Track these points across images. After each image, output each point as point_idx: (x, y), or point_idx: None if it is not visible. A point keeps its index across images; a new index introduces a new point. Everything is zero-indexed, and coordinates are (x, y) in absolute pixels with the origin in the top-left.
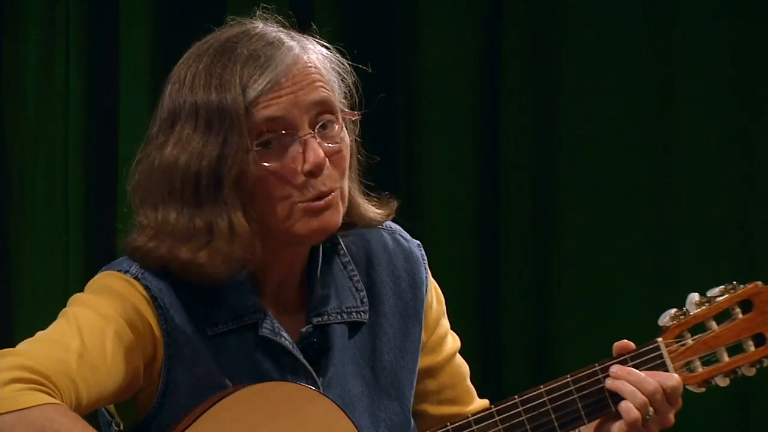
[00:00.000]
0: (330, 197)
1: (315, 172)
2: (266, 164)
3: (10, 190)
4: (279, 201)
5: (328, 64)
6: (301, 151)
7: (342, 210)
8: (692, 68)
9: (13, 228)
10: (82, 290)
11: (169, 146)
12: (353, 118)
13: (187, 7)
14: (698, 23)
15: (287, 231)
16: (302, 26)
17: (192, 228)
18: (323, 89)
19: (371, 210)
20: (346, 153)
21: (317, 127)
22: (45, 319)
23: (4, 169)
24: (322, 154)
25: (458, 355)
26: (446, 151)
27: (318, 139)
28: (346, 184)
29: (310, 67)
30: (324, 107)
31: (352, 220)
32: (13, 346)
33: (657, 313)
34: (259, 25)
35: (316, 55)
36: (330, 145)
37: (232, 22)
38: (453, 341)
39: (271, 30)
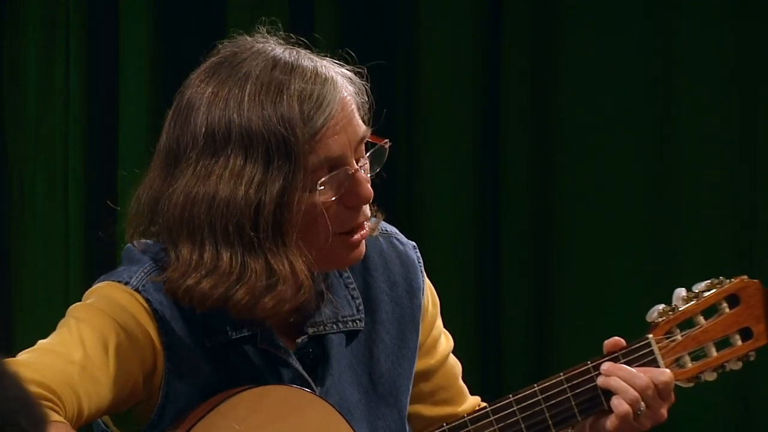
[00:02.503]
0: (366, 229)
1: (363, 205)
2: (324, 202)
3: (10, 190)
4: (321, 234)
5: (354, 90)
6: (351, 186)
7: None
8: (692, 68)
9: (13, 228)
10: (82, 289)
11: (213, 177)
12: (386, 146)
13: (187, 7)
14: (698, 23)
15: (323, 260)
16: (302, 28)
17: (251, 270)
18: (361, 121)
19: None
20: None
21: (362, 160)
22: (45, 320)
23: (4, 169)
24: (371, 189)
25: (452, 356)
26: (446, 151)
27: (362, 172)
28: None
29: (349, 98)
30: (363, 138)
31: None
32: (13, 346)
33: None
34: (286, 50)
35: (347, 83)
36: (368, 175)
37: (246, 40)
38: (446, 342)
39: (306, 58)
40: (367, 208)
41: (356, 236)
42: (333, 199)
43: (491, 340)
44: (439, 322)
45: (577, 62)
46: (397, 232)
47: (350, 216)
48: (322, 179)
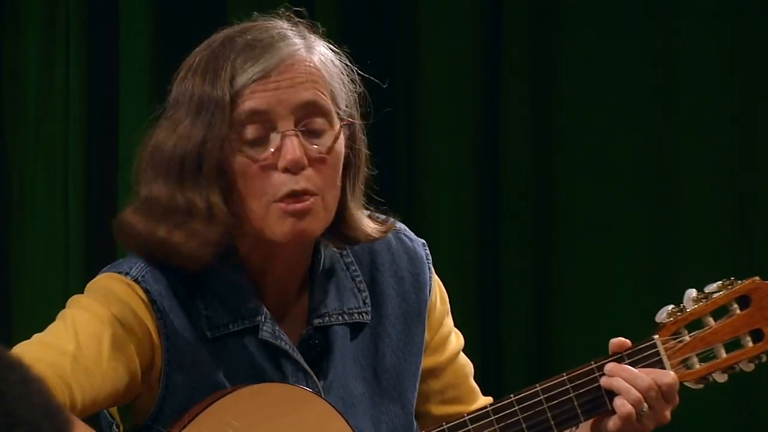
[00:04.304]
0: (308, 202)
1: (290, 169)
2: (242, 154)
3: (10, 190)
4: (256, 196)
5: (332, 68)
6: (279, 147)
7: (323, 219)
8: (692, 68)
9: (13, 228)
10: (82, 289)
11: (162, 129)
12: (358, 123)
13: (187, 7)
14: (698, 23)
15: (263, 230)
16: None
17: (172, 205)
18: (318, 91)
19: (369, 226)
20: (335, 161)
21: (300, 126)
22: (45, 319)
23: (4, 169)
24: (299, 152)
25: (462, 354)
26: (446, 151)
27: (301, 139)
28: (332, 193)
29: (309, 65)
30: (314, 109)
31: (347, 234)
32: (13, 346)
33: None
34: (275, 21)
35: (319, 56)
36: (315, 147)
37: (255, 16)
38: (457, 340)
39: (281, 25)
40: (311, 180)
41: (294, 205)
42: (255, 155)
43: (491, 340)
44: (449, 319)
45: (577, 62)
46: (407, 228)
47: (284, 181)
48: (239, 130)
